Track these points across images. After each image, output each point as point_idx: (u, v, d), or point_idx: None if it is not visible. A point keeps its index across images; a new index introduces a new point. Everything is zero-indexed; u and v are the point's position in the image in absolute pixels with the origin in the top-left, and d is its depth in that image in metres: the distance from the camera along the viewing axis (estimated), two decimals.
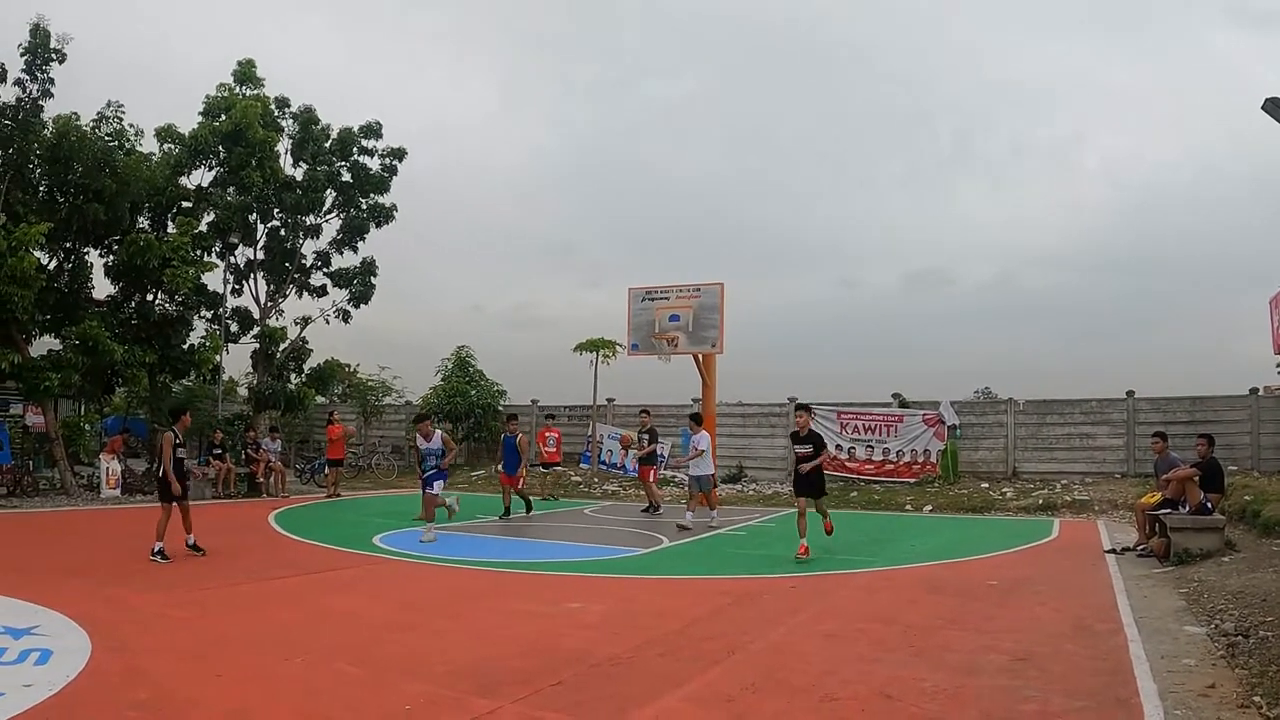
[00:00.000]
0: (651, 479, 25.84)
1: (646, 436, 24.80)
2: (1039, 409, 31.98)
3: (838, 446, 32.73)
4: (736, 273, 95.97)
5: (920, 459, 31.82)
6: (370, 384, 43.79)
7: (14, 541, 14.89)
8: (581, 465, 37.02)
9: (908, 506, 27.42)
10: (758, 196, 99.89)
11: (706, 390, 28.89)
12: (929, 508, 27.00)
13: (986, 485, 30.10)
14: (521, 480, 24.24)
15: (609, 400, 37.94)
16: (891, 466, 32.17)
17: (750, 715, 6.96)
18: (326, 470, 31.43)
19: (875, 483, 31.57)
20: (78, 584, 12.38)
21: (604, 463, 36.39)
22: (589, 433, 37.23)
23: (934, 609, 11.52)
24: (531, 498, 25.97)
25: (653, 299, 29.31)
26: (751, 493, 31.45)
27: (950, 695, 7.52)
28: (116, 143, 28.42)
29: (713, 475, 22.04)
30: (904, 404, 33.15)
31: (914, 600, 12.26)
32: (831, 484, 31.00)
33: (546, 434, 30.61)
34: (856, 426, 32.87)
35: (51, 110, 26.70)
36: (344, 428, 31.76)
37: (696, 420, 22.38)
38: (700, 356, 28.59)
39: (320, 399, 37.85)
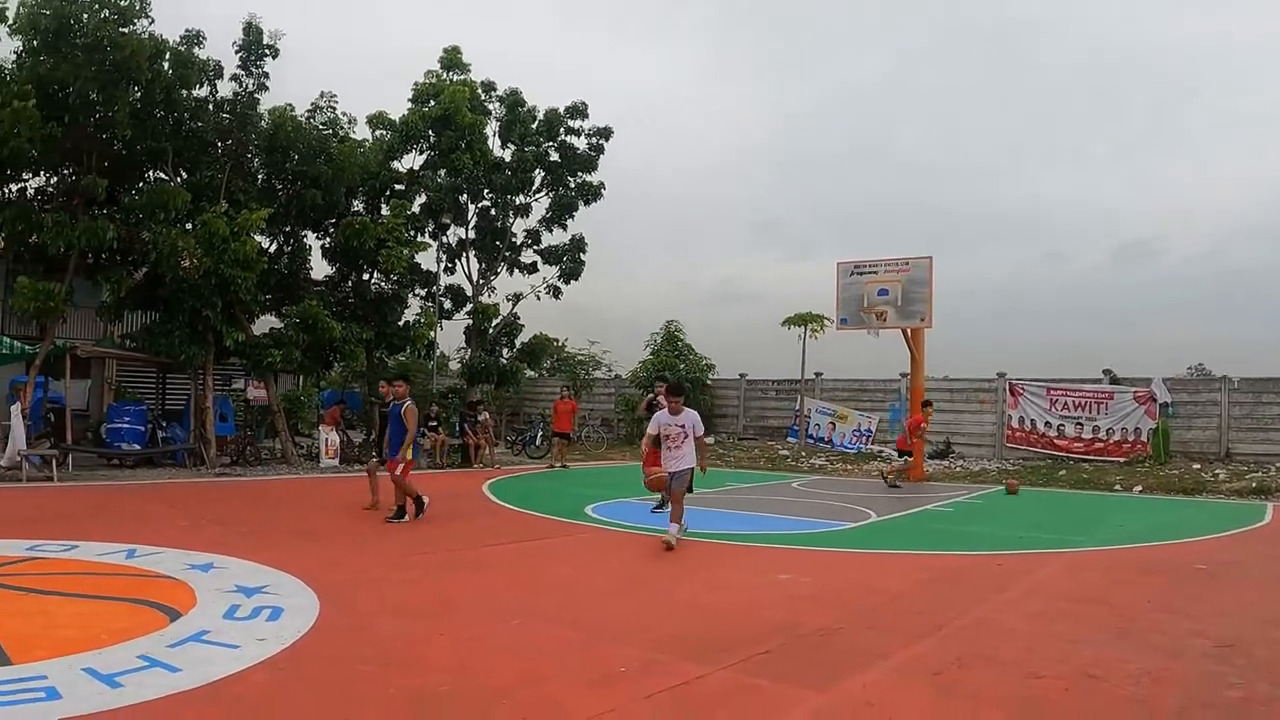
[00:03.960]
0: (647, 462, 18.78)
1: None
2: (1254, 387, 30.38)
3: (1046, 424, 32.29)
4: (943, 247, 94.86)
5: (1130, 438, 30.78)
6: (580, 358, 44.41)
7: (241, 507, 15.58)
8: (789, 439, 37.05)
9: (1117, 486, 26.55)
10: (964, 170, 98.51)
11: (915, 365, 28.75)
12: (1138, 488, 26.13)
13: (1198, 466, 28.86)
14: (403, 465, 16.03)
15: (817, 374, 37.82)
16: (1101, 445, 31.23)
17: (956, 689, 6.96)
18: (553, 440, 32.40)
19: (1084, 461, 30.76)
20: (304, 547, 12.96)
21: (811, 437, 36.36)
22: (796, 407, 37.22)
23: (1141, 591, 11.30)
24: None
25: (861, 273, 29.29)
26: (959, 469, 31.07)
27: (1154, 678, 7.40)
28: (330, 131, 29.61)
29: (690, 473, 14.61)
30: (1115, 380, 32.21)
31: (1121, 581, 12.03)
32: (1040, 461, 30.56)
33: None
34: (1066, 403, 32.11)
35: (267, 103, 28.04)
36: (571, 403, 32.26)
37: (675, 392, 15.07)
38: (909, 331, 28.46)
39: (530, 373, 38.60)
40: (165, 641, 7.66)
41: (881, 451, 34.40)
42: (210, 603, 9.09)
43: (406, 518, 15.83)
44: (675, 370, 39.43)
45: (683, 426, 14.35)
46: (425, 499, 16.21)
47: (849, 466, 31.92)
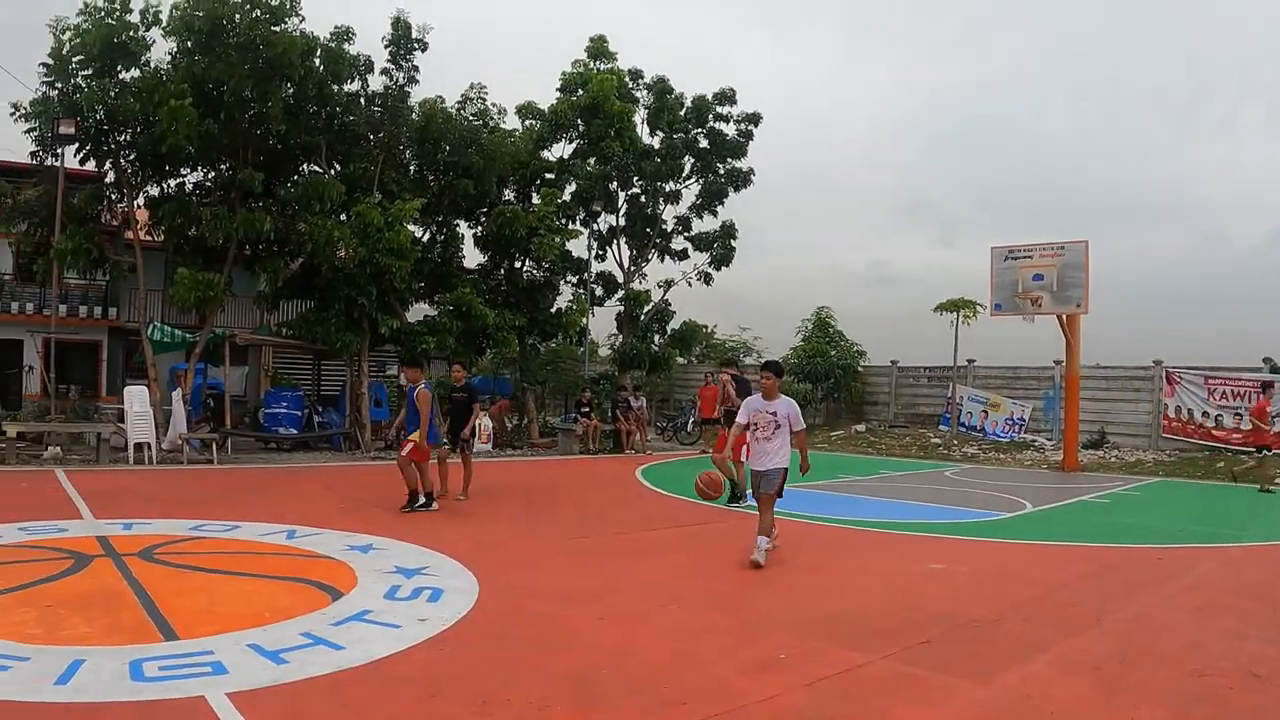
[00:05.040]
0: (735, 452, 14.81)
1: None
2: None
3: (1204, 414, 31.46)
4: (1091, 229, 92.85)
5: None
6: (730, 344, 44.35)
7: (397, 490, 15.80)
8: (940, 427, 36.65)
9: (1278, 479, 25.85)
10: (1111, 150, 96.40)
11: (1070, 352, 28.14)
12: None
13: None
14: (410, 448, 15.03)
15: (969, 361, 37.23)
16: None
17: (1117, 685, 6.80)
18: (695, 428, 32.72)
19: (1244, 453, 29.75)
20: (461, 529, 13.12)
21: (964, 425, 35.92)
22: (948, 394, 36.80)
23: None
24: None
25: (1015, 258, 28.73)
26: (1114, 459, 30.25)
27: None
28: (480, 122, 30.00)
29: (781, 474, 11.51)
30: (1275, 369, 31.18)
31: None
32: (1197, 453, 29.71)
33: None
34: (1224, 393, 31.12)
35: (417, 95, 28.55)
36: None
37: (773, 370, 12.12)
38: (1064, 316, 27.88)
39: (681, 359, 38.74)
40: (328, 620, 7.85)
41: (1035, 440, 33.86)
42: (371, 583, 9.28)
43: (428, 503, 14.90)
44: (827, 357, 39.24)
45: (774, 414, 11.54)
46: (435, 501, 15.21)
47: (1002, 455, 31.42)
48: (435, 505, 15.06)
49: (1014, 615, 8.92)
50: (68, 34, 23.07)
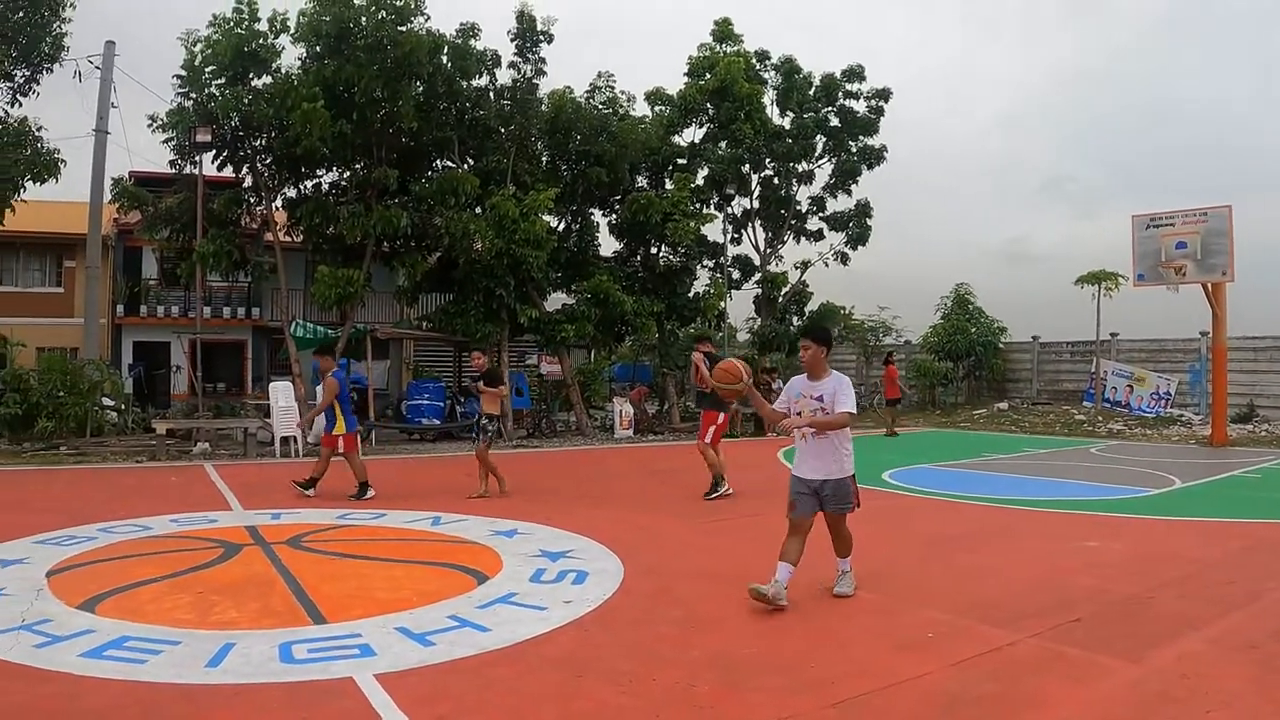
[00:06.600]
0: (711, 437, 15.20)
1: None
2: None
3: None
4: (1240, 195, 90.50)
5: None
6: (868, 325, 44.01)
7: (541, 476, 15.94)
8: (1084, 403, 35.97)
9: None
10: (1257, 115, 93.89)
11: (1216, 322, 27.31)
12: None
13: None
14: (340, 442, 14.76)
15: (1112, 335, 36.37)
16: None
17: (1273, 664, 6.54)
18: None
19: None
20: (605, 513, 13.16)
21: (1108, 400, 35.19)
22: (1092, 369, 36.10)
23: None
24: None
25: (1157, 226, 27.89)
26: (1264, 433, 29.26)
27: None
28: (610, 110, 30.10)
29: (847, 485, 8.60)
30: None
31: None
32: None
33: None
34: None
35: (545, 86, 28.79)
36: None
37: (816, 337, 8.74)
38: (1209, 285, 27.12)
39: None
40: (474, 603, 7.93)
41: (1181, 415, 33.08)
42: (516, 566, 9.35)
43: (362, 492, 14.39)
44: (967, 334, 38.70)
45: (819, 399, 8.41)
46: (370, 489, 14.57)
47: (1148, 431, 30.70)
48: (371, 493, 14.47)
49: (1167, 593, 8.65)
50: (199, 46, 23.84)
